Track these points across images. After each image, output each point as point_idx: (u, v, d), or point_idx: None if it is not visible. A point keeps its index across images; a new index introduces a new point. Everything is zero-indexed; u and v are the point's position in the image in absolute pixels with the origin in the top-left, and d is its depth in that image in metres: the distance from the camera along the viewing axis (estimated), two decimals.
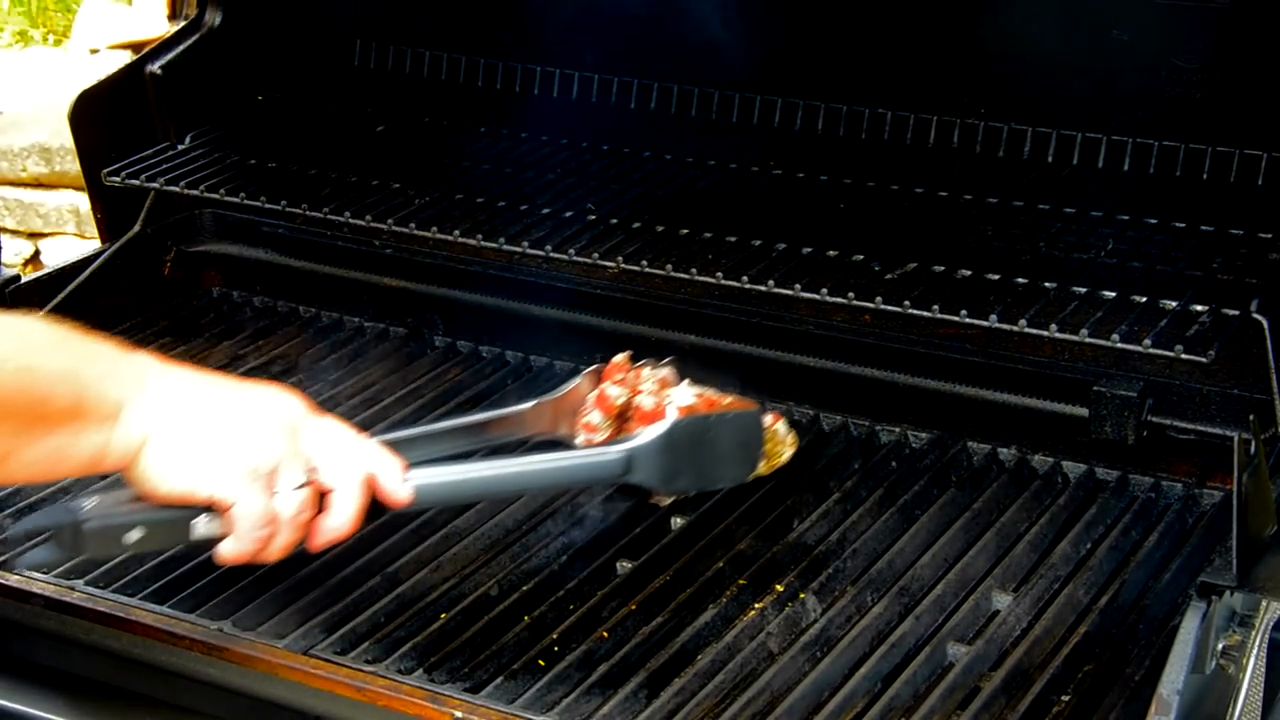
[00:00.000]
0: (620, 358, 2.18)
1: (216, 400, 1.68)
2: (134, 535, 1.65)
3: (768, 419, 2.11)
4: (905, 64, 2.64)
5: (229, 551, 1.67)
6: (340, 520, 1.70)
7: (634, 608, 1.94)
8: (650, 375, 2.18)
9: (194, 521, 1.65)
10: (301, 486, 1.66)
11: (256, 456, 1.65)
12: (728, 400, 2.16)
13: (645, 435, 1.91)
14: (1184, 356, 2.00)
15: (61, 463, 1.63)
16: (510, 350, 2.62)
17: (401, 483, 1.74)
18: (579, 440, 2.13)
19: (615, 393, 2.13)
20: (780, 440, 2.15)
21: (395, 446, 1.82)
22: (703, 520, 2.12)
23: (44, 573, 2.00)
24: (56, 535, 1.65)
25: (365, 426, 2.36)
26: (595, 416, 2.13)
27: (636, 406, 2.13)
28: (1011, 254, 2.31)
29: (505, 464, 1.90)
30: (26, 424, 1.59)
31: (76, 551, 1.67)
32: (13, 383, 1.58)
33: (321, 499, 1.69)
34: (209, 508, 1.65)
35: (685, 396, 2.15)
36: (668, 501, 2.14)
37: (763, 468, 2.09)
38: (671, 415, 2.09)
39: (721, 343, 2.45)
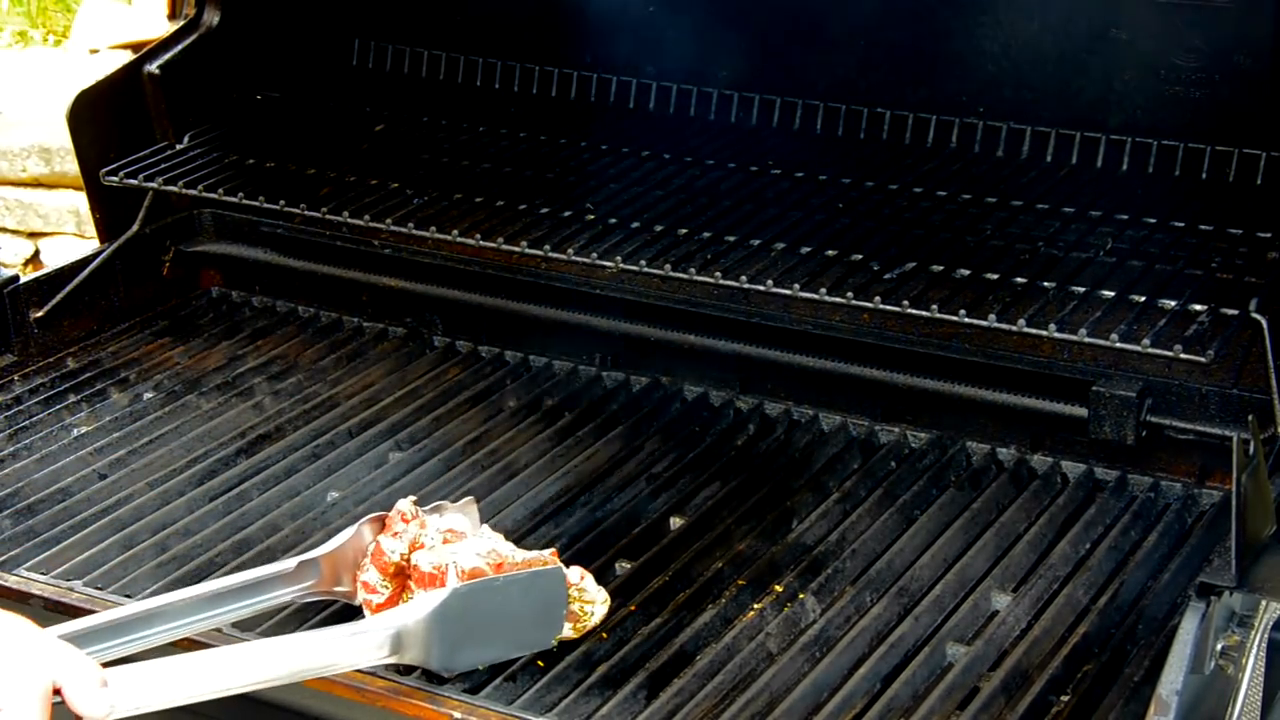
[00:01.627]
0: (405, 503, 1.90)
1: None
2: None
3: (573, 575, 1.86)
4: (905, 64, 2.64)
5: None
6: None
7: (634, 608, 1.93)
8: (436, 524, 1.90)
9: None
10: None
11: None
12: (522, 558, 1.84)
13: (417, 609, 1.69)
14: (1183, 356, 2.00)
15: None
16: (510, 350, 2.62)
17: (94, 696, 1.45)
18: (359, 599, 1.87)
19: (391, 547, 1.86)
20: (589, 599, 1.87)
21: (116, 631, 1.61)
22: (703, 520, 2.12)
23: (43, 573, 2.00)
24: None
25: (366, 426, 2.37)
26: (372, 575, 1.86)
27: (414, 565, 1.84)
28: (1011, 254, 2.31)
29: (243, 652, 1.59)
30: None
31: None
32: None
33: None
34: None
35: (469, 557, 1.82)
36: (450, 676, 1.80)
37: (569, 631, 1.85)
38: (452, 580, 1.79)
39: (721, 343, 2.45)
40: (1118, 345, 2.05)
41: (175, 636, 1.70)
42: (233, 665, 1.57)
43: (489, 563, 1.81)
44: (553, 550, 1.86)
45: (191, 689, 1.54)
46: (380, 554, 1.85)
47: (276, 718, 1.83)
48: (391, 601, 1.85)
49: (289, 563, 1.82)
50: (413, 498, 1.91)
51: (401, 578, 1.86)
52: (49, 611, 1.93)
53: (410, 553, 1.85)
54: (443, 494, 2.16)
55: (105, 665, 1.49)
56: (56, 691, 1.44)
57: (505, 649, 1.79)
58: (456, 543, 1.86)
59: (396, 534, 1.87)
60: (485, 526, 1.93)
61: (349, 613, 1.87)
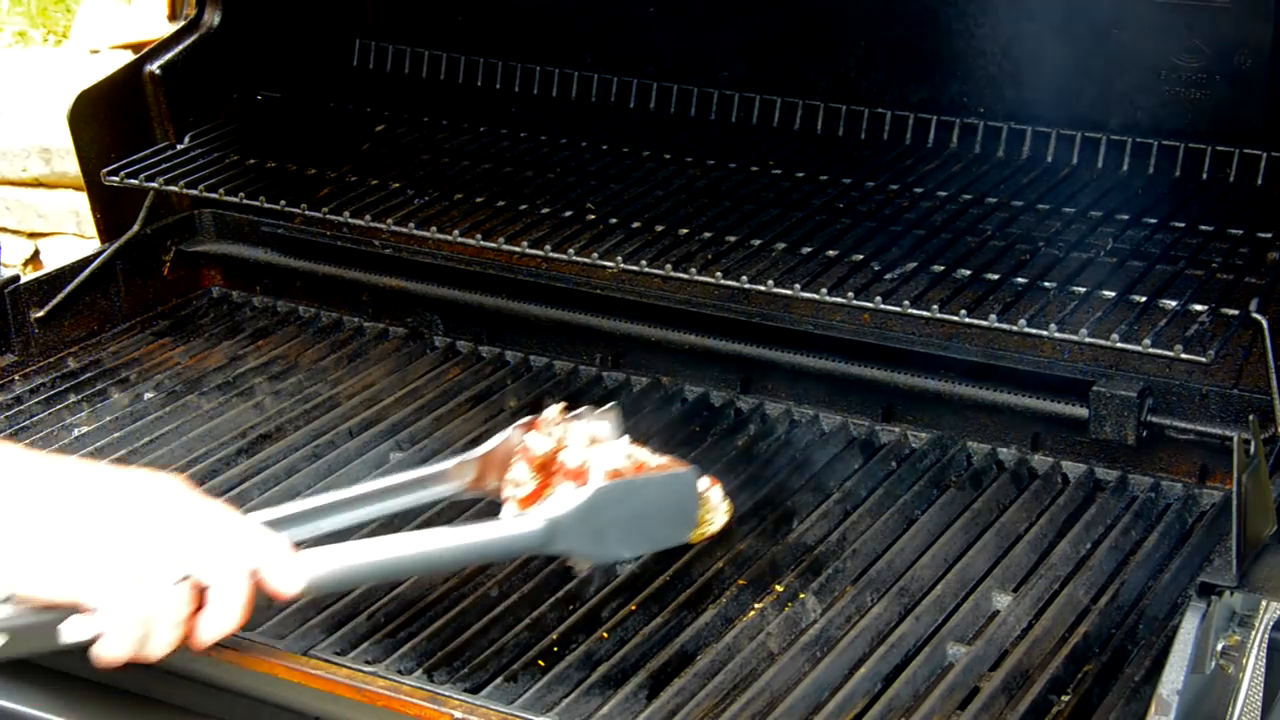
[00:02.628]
0: (552, 409, 2.03)
1: (80, 493, 1.54)
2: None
3: (703, 483, 1.95)
4: (905, 64, 2.64)
5: (104, 654, 1.53)
6: (222, 618, 1.56)
7: (634, 608, 1.93)
8: (580, 429, 2.01)
9: (61, 626, 1.52)
10: (177, 585, 1.53)
11: (125, 555, 1.51)
12: (658, 462, 1.96)
13: (566, 503, 1.79)
14: (1184, 356, 2.00)
15: None
16: (510, 350, 2.62)
17: (291, 573, 1.61)
18: (504, 494, 1.98)
19: (538, 445, 1.97)
20: (713, 507, 1.97)
21: (298, 520, 1.74)
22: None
23: None
24: None
25: (366, 426, 2.37)
26: (520, 471, 1.97)
27: (560, 463, 1.96)
28: (1012, 254, 2.31)
29: (414, 540, 1.74)
30: None
31: None
32: None
33: (201, 594, 1.56)
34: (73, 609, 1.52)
35: (612, 458, 1.95)
36: (586, 568, 2.00)
37: (692, 535, 1.93)
38: (596, 478, 1.92)
39: (721, 343, 2.45)
40: (1118, 345, 2.05)
41: (342, 526, 1.83)
42: (406, 549, 1.72)
43: (629, 463, 1.93)
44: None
45: (371, 571, 1.71)
46: (529, 450, 1.97)
47: (277, 717, 1.83)
48: (535, 495, 1.94)
49: (447, 463, 1.96)
50: (561, 404, 2.03)
51: (546, 474, 1.96)
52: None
53: (556, 451, 1.96)
54: None
55: None
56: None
57: (642, 544, 1.90)
58: (599, 445, 1.98)
59: (546, 434, 1.98)
60: (625, 437, 2.03)
61: (495, 512, 1.97)
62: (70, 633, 1.52)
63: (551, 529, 1.76)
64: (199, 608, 1.56)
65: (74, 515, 1.52)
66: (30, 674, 1.96)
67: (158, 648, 1.55)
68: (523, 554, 1.88)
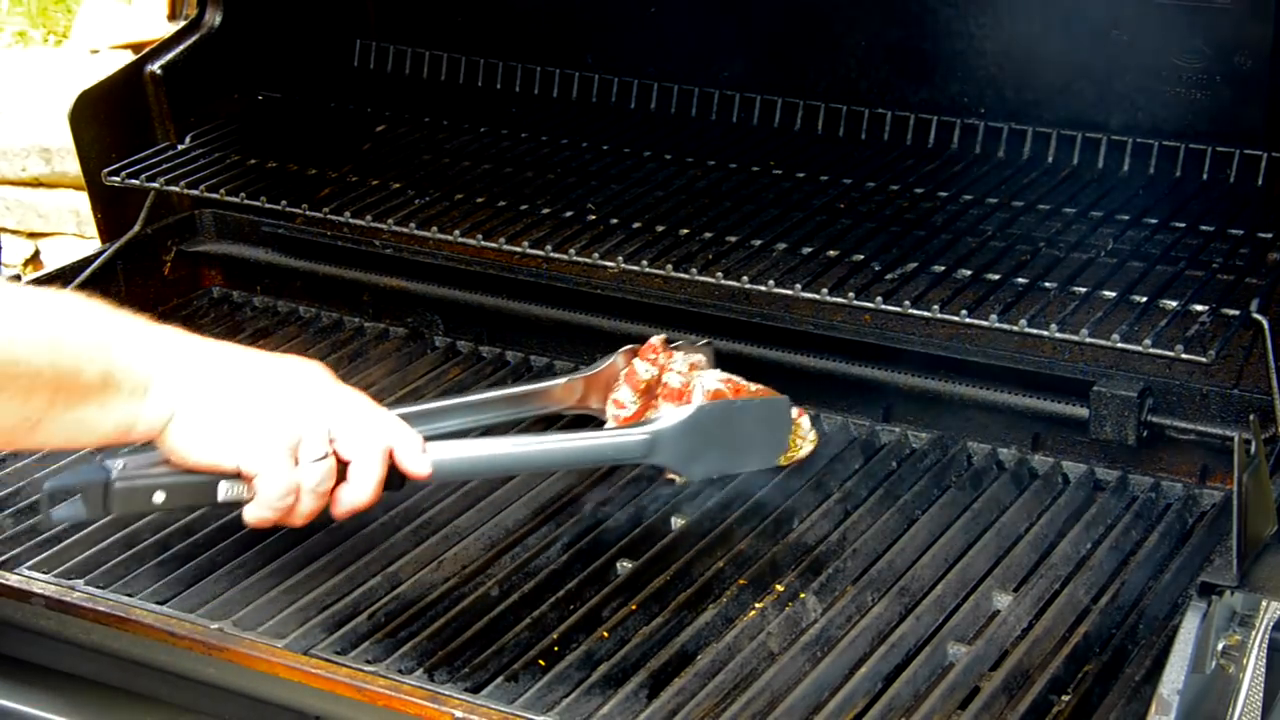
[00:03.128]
0: (657, 339, 2.23)
1: (242, 373, 1.73)
2: (160, 496, 1.71)
3: (794, 411, 2.12)
4: (906, 64, 2.64)
5: (253, 516, 1.74)
6: (360, 492, 1.75)
7: (634, 608, 1.93)
8: (682, 358, 2.22)
9: (219, 485, 1.72)
10: (323, 458, 1.71)
11: (280, 429, 1.70)
12: (754, 388, 2.17)
13: (670, 418, 1.92)
14: (1184, 357, 2.00)
15: (89, 433, 1.68)
16: (510, 350, 2.62)
17: (421, 456, 1.78)
18: (609, 414, 2.19)
19: (644, 371, 2.17)
20: (802, 435, 2.16)
21: (422, 418, 1.87)
22: (703, 520, 2.11)
23: (44, 572, 2.00)
24: (85, 492, 1.70)
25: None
26: (624, 393, 2.18)
27: (664, 385, 2.16)
28: (1012, 254, 2.31)
29: (528, 441, 1.92)
30: (56, 394, 1.63)
31: (104, 510, 1.72)
32: (44, 354, 1.62)
33: (343, 469, 1.74)
34: (235, 474, 1.72)
35: (712, 381, 2.17)
36: (682, 480, 2.15)
37: (780, 459, 2.11)
38: (697, 398, 2.11)
39: (722, 343, 2.45)
40: (1119, 345, 2.05)
41: (457, 429, 2.04)
42: (522, 447, 1.91)
43: (729, 387, 2.15)
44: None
45: (491, 463, 1.89)
46: (634, 374, 2.18)
47: (277, 717, 1.83)
48: (638, 416, 2.15)
49: (558, 380, 2.20)
50: (663, 335, 2.24)
51: (649, 396, 2.17)
52: (50, 610, 1.93)
53: (659, 376, 2.17)
54: (442, 493, 2.17)
55: None
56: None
57: (736, 463, 2.04)
58: (699, 371, 2.20)
59: (650, 360, 2.19)
60: (718, 368, 2.23)
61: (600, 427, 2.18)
62: (226, 493, 1.72)
63: (654, 440, 1.90)
64: (339, 481, 1.75)
65: (233, 391, 1.71)
66: (30, 674, 1.96)
67: (300, 515, 1.75)
68: (626, 461, 2.02)
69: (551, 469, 2.14)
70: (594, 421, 2.25)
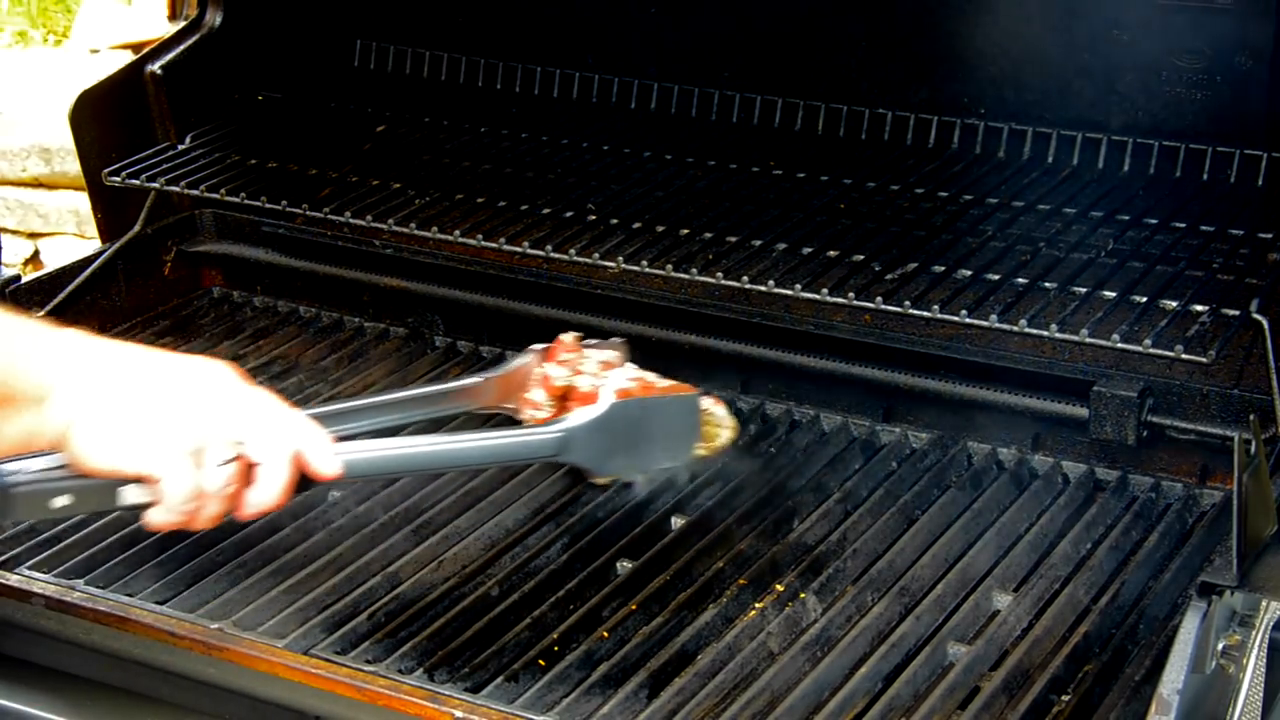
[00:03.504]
0: (568, 337, 2.20)
1: (143, 376, 1.68)
2: (61, 500, 1.67)
3: (705, 402, 2.10)
4: (906, 64, 2.64)
5: (157, 520, 1.69)
6: (267, 494, 1.71)
7: (634, 608, 1.93)
8: (593, 356, 2.20)
9: (121, 489, 1.67)
10: (228, 461, 1.66)
11: (183, 433, 1.65)
12: (665, 384, 2.16)
13: (580, 416, 1.90)
14: (1184, 357, 2.00)
15: None
16: (510, 350, 2.61)
17: (330, 457, 1.73)
18: (524, 416, 2.16)
19: (557, 373, 2.15)
20: (718, 423, 2.13)
21: (333, 418, 1.85)
22: (703, 520, 2.12)
23: (44, 572, 2.00)
24: None
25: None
26: (538, 395, 2.15)
27: (574, 387, 2.15)
28: (1013, 254, 2.31)
29: (438, 439, 1.89)
30: None
31: (3, 515, 1.70)
32: None
33: (249, 471, 1.69)
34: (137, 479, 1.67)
35: (621, 380, 2.15)
36: (603, 481, 2.16)
37: (701, 450, 2.07)
38: (607, 398, 2.09)
39: (721, 343, 2.45)
40: (1119, 346, 2.05)
41: (371, 428, 2.00)
42: (434, 445, 1.86)
43: (638, 385, 2.14)
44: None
45: (401, 462, 1.85)
46: (547, 377, 2.15)
47: (277, 717, 1.83)
48: (554, 416, 2.09)
49: (472, 379, 2.17)
50: (576, 334, 2.21)
51: (562, 399, 2.14)
52: (50, 610, 1.93)
53: (572, 377, 2.15)
54: (442, 493, 2.17)
55: None
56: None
57: (650, 460, 2.01)
58: (611, 370, 2.18)
59: (561, 361, 2.17)
60: (631, 364, 2.21)
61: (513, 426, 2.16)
62: (129, 497, 1.66)
63: (566, 439, 1.87)
64: (247, 483, 1.69)
65: (133, 394, 1.66)
66: (30, 674, 1.96)
67: (205, 518, 1.69)
68: (539, 459, 2.00)
69: (463, 467, 2.16)
70: (509, 420, 2.22)
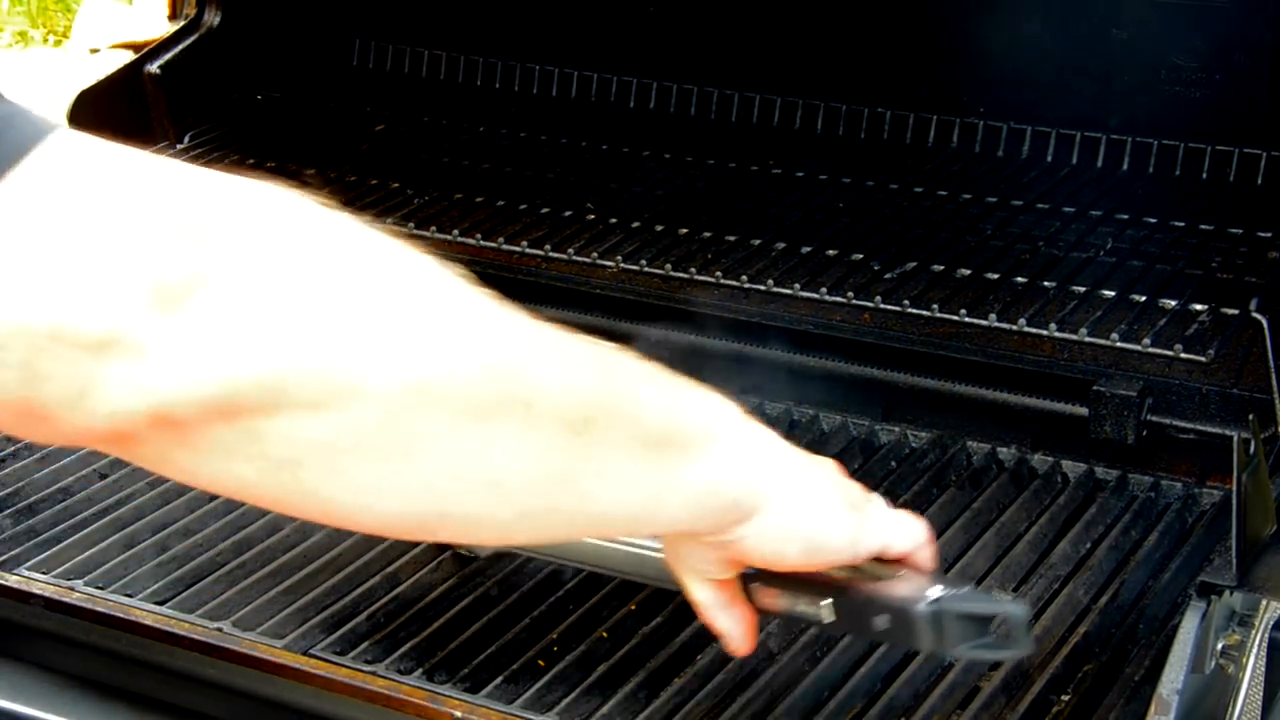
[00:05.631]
0: None
1: (808, 465, 1.47)
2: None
3: None
4: (905, 64, 2.65)
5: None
6: None
7: (633, 607, 1.93)
8: None
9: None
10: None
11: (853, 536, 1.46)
12: None
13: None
14: (1183, 356, 2.01)
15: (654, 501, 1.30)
16: None
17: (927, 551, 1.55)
18: None
19: None
20: None
21: None
22: None
23: (44, 573, 2.00)
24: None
25: None
26: None
27: None
28: (1011, 253, 2.31)
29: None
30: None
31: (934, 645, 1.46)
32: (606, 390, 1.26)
33: None
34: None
35: None
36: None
37: None
38: None
39: (721, 342, 2.45)
40: (1118, 345, 2.05)
41: None
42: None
43: None
44: None
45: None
46: None
47: (277, 717, 1.83)
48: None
49: None
50: None
51: None
52: (49, 611, 1.93)
53: None
54: None
55: None
56: None
57: None
58: None
59: None
60: None
61: None
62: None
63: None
64: None
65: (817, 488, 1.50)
66: (30, 674, 1.96)
67: None
68: None
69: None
70: None
